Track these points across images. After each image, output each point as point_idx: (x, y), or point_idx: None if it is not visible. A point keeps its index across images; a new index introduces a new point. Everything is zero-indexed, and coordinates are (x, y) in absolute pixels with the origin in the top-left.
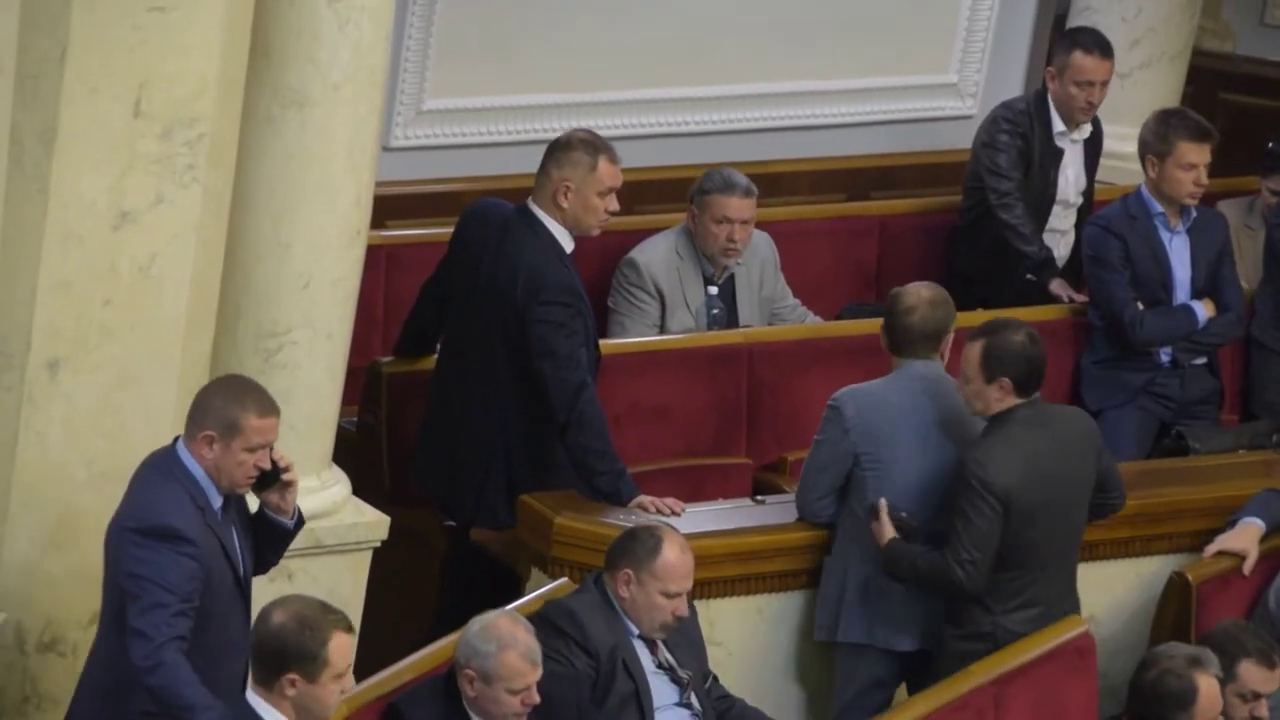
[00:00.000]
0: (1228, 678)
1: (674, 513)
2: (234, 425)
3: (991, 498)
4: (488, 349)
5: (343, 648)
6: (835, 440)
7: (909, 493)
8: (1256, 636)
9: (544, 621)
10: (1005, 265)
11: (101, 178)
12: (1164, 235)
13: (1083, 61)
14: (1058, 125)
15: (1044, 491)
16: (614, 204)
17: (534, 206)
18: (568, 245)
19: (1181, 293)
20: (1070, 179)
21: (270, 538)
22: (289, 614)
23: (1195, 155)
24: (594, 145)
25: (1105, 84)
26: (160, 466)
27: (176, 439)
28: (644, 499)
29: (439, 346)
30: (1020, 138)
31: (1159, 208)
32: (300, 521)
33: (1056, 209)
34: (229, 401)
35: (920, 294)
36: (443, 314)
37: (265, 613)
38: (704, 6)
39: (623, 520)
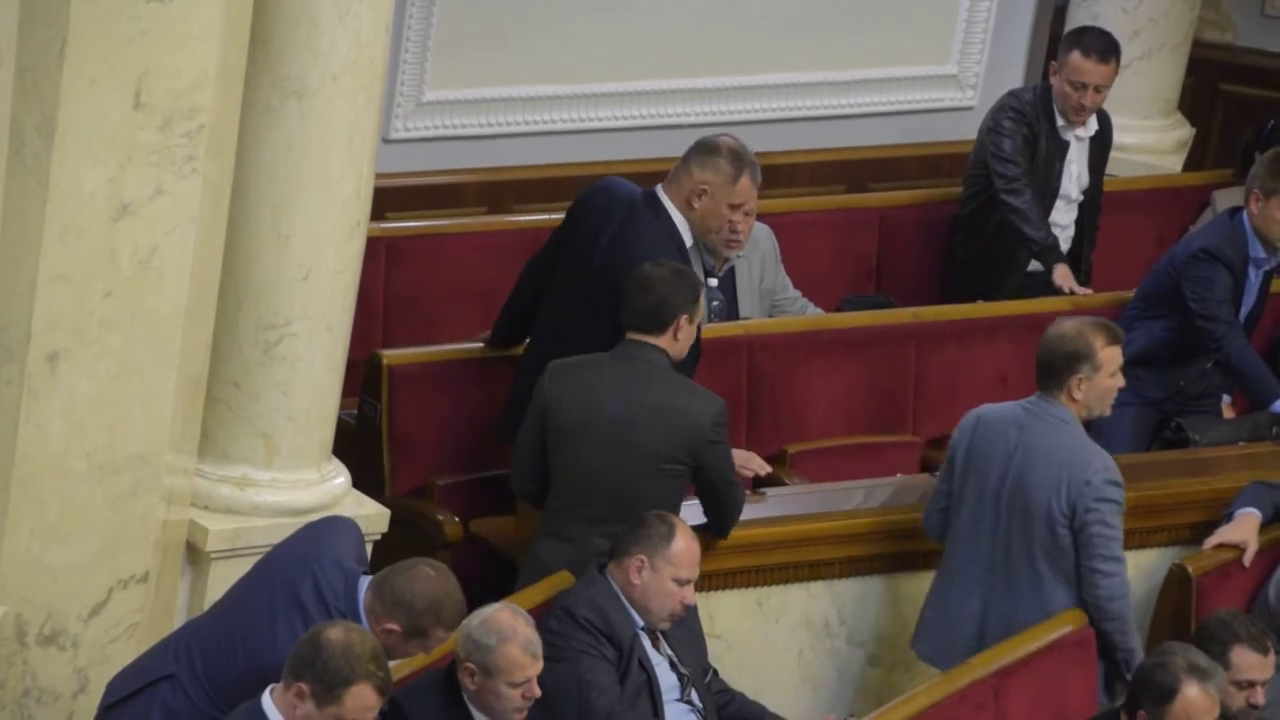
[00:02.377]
0: (1221, 665)
1: (762, 472)
2: (423, 632)
3: (536, 408)
4: (592, 322)
5: (363, 701)
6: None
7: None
8: (1249, 623)
9: (568, 616)
10: (1005, 255)
11: (101, 169)
12: (1252, 273)
13: (1079, 63)
14: (1060, 119)
15: (585, 416)
16: (741, 219)
17: (663, 195)
18: (688, 238)
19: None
20: (1074, 175)
21: None
22: (344, 641)
23: None
24: (741, 159)
25: (1101, 88)
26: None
27: (355, 583)
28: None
29: (540, 313)
30: (1026, 126)
31: (1260, 251)
32: None
33: (1059, 204)
34: (424, 611)
35: (1056, 325)
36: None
37: (329, 623)
38: None
39: None
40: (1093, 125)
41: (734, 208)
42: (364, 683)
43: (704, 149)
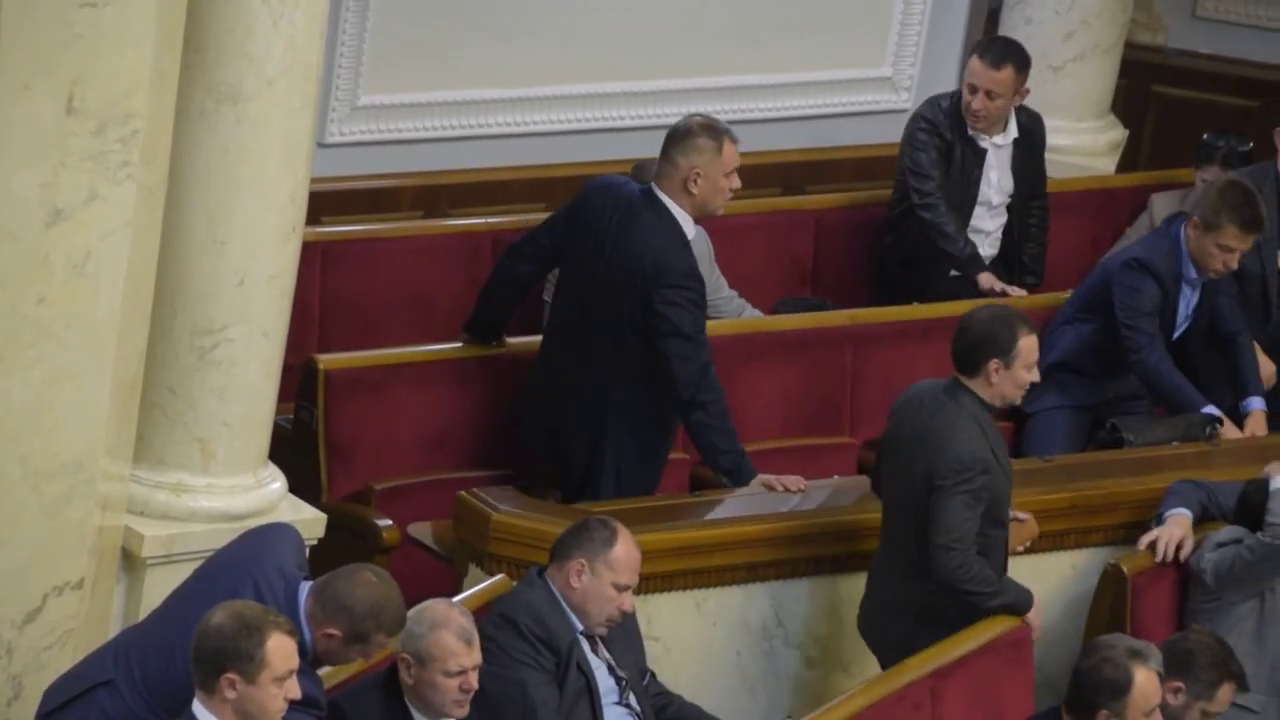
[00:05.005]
0: (1202, 693)
1: (800, 490)
2: (363, 637)
3: None
4: (603, 328)
5: (284, 649)
6: None
7: None
8: (1235, 657)
9: (507, 623)
10: (934, 258)
11: (34, 175)
12: (1185, 291)
13: (972, 65)
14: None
15: (891, 435)
16: (737, 181)
17: (659, 192)
18: (689, 231)
19: (1176, 334)
20: (993, 181)
21: None
22: (229, 614)
23: (1237, 241)
24: (715, 129)
25: (994, 95)
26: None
27: (296, 588)
28: (767, 477)
29: (547, 319)
30: (938, 136)
31: (1193, 273)
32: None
33: (979, 210)
34: (365, 616)
35: None
36: (525, 292)
37: (207, 614)
38: (639, 1)
39: (559, 516)
40: (1012, 131)
41: (728, 176)
42: (273, 633)
43: (679, 136)
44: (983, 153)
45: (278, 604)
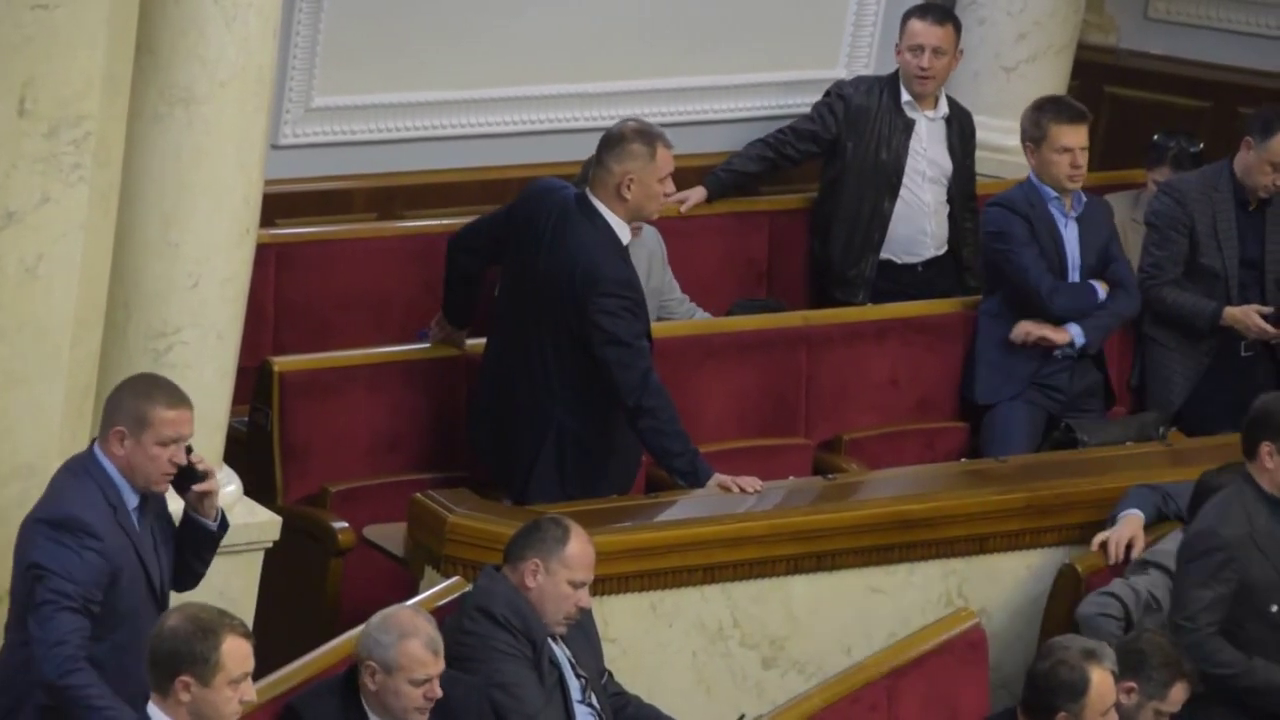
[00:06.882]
0: (1155, 693)
1: (756, 490)
2: (143, 419)
3: None
4: (542, 332)
5: (239, 652)
6: None
7: None
8: (1188, 657)
9: (485, 616)
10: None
11: None
12: (1059, 220)
13: (913, 25)
14: (905, 95)
15: None
16: (670, 186)
17: (593, 198)
18: (625, 237)
19: (1075, 277)
20: (925, 152)
21: (194, 541)
22: (184, 616)
23: (1069, 138)
24: (648, 134)
25: (940, 52)
26: (75, 466)
27: (94, 441)
28: (723, 478)
29: (492, 320)
30: (839, 98)
31: (1052, 193)
32: (224, 525)
33: (915, 179)
34: (137, 396)
35: None
36: (474, 281)
37: (162, 617)
38: (593, 3)
39: (515, 518)
40: (942, 107)
41: (662, 181)
42: (228, 635)
43: (612, 142)
44: (910, 122)
45: (86, 470)
